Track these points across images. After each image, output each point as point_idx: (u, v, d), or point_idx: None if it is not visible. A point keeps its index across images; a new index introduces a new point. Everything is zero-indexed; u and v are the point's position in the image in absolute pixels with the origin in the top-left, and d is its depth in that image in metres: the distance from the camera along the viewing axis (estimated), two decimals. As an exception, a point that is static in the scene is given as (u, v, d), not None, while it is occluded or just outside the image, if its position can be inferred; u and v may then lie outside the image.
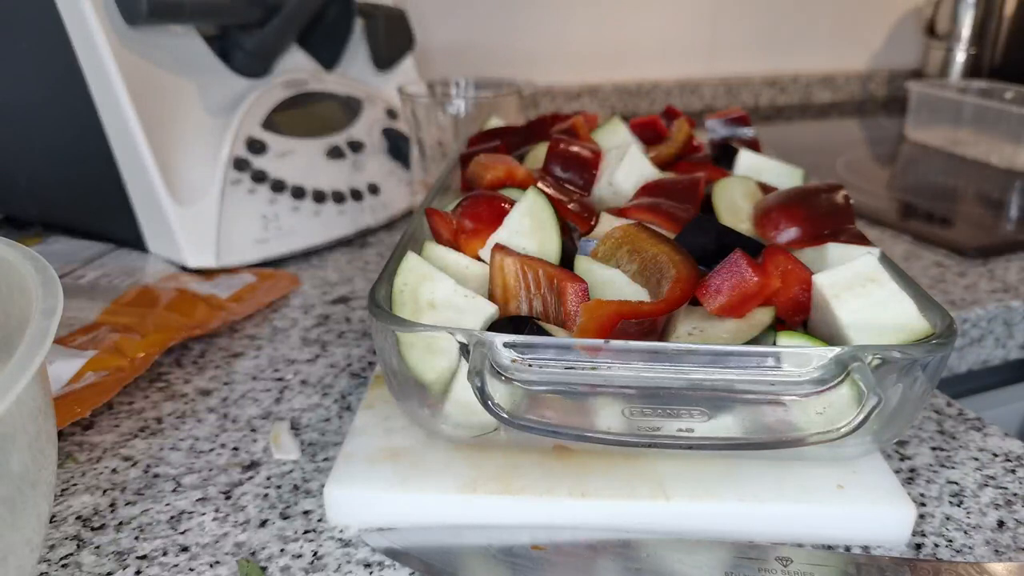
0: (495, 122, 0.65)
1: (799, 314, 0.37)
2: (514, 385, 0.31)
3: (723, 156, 0.56)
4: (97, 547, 0.35)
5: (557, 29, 1.23)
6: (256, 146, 0.65)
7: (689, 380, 0.32)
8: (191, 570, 0.34)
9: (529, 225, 0.40)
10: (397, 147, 0.76)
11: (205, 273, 0.62)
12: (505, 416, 0.30)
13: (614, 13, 1.26)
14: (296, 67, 0.72)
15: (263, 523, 0.37)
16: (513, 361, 0.32)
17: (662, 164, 0.53)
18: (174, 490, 0.39)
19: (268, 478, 0.40)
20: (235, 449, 0.42)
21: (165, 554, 0.35)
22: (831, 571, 0.33)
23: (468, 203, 0.43)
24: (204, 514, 0.37)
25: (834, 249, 0.41)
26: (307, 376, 0.49)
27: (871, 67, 1.52)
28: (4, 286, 0.31)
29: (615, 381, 0.32)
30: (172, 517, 0.37)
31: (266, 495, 0.38)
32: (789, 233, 0.43)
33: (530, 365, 0.32)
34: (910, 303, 0.35)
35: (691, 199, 0.46)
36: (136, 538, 0.36)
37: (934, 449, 0.42)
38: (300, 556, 0.35)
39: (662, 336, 0.35)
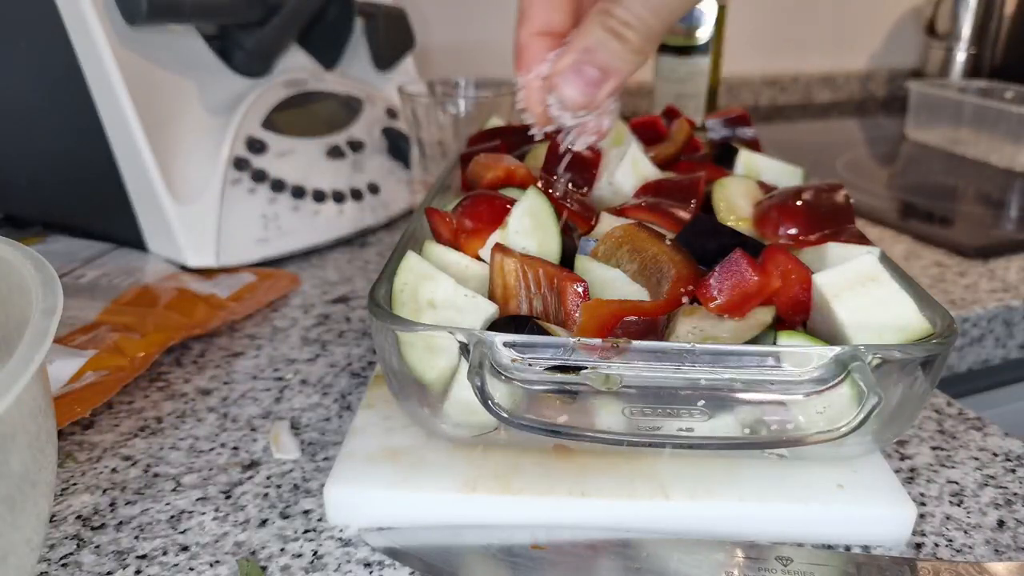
0: (495, 122, 0.65)
1: (799, 314, 0.37)
2: (514, 385, 0.31)
3: (723, 156, 0.56)
4: (97, 546, 0.35)
5: (557, 29, 1.23)
6: (256, 146, 0.65)
7: (689, 380, 0.32)
8: (191, 570, 0.34)
9: (529, 225, 0.40)
10: (397, 147, 0.76)
11: (205, 272, 0.62)
12: (505, 416, 0.30)
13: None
14: (296, 67, 0.72)
15: (263, 523, 0.37)
16: (513, 361, 0.32)
17: (662, 164, 0.53)
18: (174, 490, 0.39)
19: (268, 477, 0.40)
20: (235, 449, 0.42)
21: (165, 553, 0.35)
22: (831, 571, 0.33)
23: (468, 203, 0.43)
24: (204, 513, 0.37)
25: (834, 249, 0.41)
26: (307, 376, 0.49)
27: (871, 67, 1.52)
28: (4, 286, 0.31)
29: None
30: (172, 516, 0.37)
31: (266, 495, 0.38)
32: (789, 233, 0.43)
33: (530, 365, 0.32)
34: (910, 303, 0.35)
35: (691, 199, 0.46)
36: (136, 537, 0.36)
37: (934, 449, 0.42)
38: (300, 556, 0.35)
39: (662, 336, 0.35)
